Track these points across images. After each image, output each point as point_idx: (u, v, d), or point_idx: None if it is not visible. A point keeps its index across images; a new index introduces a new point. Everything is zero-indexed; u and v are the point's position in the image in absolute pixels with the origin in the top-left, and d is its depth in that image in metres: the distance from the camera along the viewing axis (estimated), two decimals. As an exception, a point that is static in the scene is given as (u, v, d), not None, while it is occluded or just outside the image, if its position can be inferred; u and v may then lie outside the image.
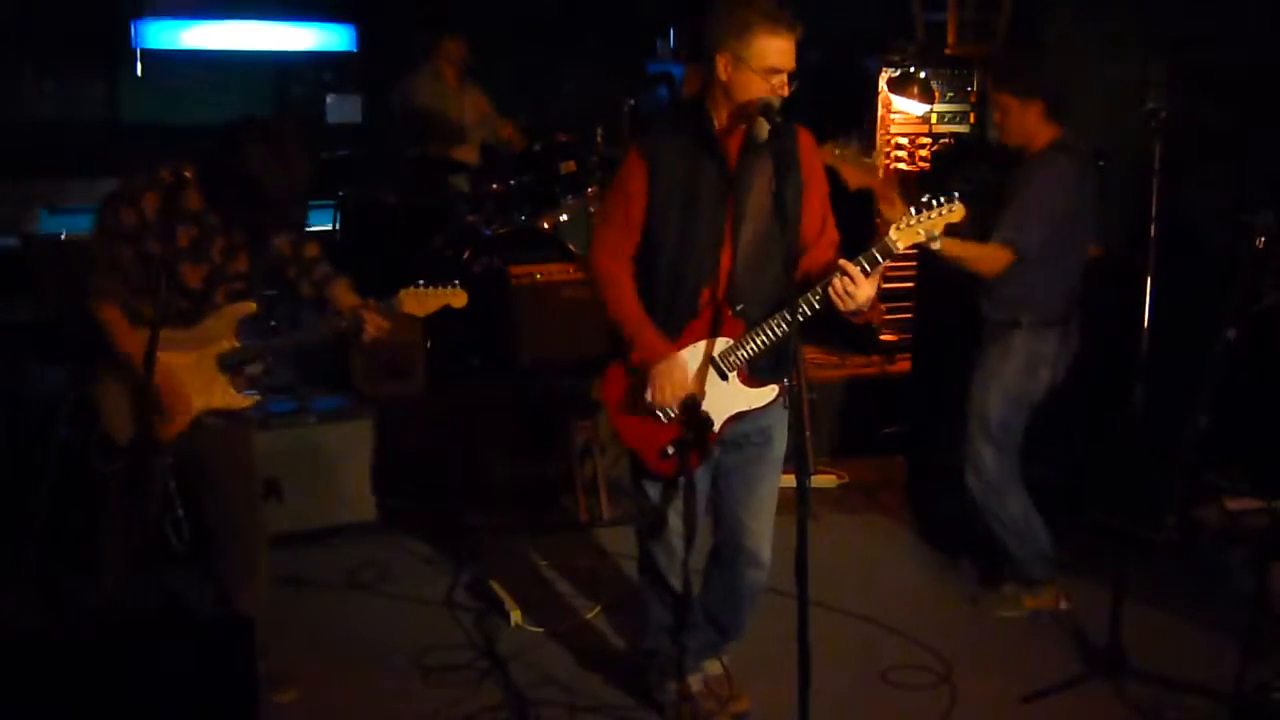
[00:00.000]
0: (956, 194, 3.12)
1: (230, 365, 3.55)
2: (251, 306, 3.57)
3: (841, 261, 3.11)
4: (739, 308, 3.26)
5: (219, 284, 3.50)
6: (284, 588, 4.43)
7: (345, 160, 8.13)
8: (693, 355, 3.29)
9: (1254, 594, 3.90)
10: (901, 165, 6.51)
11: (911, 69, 6.32)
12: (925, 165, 6.43)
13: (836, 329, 6.16)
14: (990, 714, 3.81)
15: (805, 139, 3.35)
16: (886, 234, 3.13)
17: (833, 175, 3.69)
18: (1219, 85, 5.39)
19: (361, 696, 3.83)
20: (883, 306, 6.37)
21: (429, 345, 5.61)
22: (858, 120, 6.46)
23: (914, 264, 5.89)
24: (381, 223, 6.90)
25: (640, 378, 3.29)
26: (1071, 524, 4.53)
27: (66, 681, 2.79)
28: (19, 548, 4.31)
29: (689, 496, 3.40)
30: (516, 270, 5.68)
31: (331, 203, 7.41)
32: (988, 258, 4.06)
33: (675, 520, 3.46)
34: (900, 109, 6.44)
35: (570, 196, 6.37)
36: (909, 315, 6.14)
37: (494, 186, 6.53)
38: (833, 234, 3.41)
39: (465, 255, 6.02)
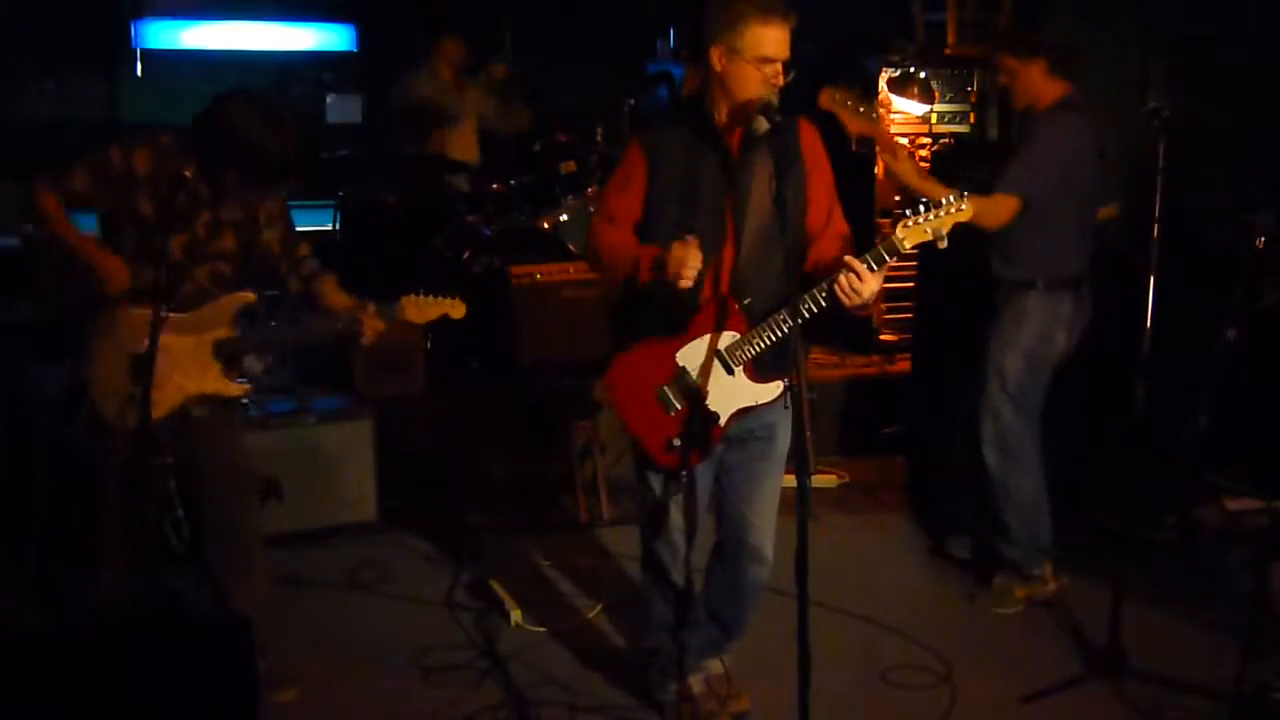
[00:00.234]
0: (966, 193, 3.12)
1: (226, 354, 3.55)
2: (251, 297, 3.57)
3: (847, 258, 3.11)
4: (745, 302, 3.26)
5: (201, 260, 3.49)
6: (284, 588, 4.44)
7: (345, 160, 8.13)
8: (698, 349, 3.29)
9: (1254, 594, 3.90)
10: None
11: (911, 69, 6.32)
12: (925, 165, 6.43)
13: (837, 329, 6.18)
14: (990, 714, 3.81)
15: (807, 130, 3.35)
16: (894, 232, 3.14)
17: (834, 137, 3.67)
18: (1219, 85, 5.40)
19: (361, 696, 3.83)
20: (883, 305, 6.37)
21: (429, 345, 5.61)
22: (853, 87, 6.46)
23: (914, 264, 5.89)
24: (381, 223, 6.91)
25: (658, 267, 3.17)
26: (1071, 524, 4.53)
27: (66, 681, 2.79)
28: (19, 547, 4.31)
29: (690, 491, 3.40)
30: (516, 270, 5.68)
31: (331, 203, 7.42)
32: (993, 209, 4.04)
33: (677, 514, 3.46)
34: (900, 109, 6.44)
35: (570, 196, 6.37)
36: (909, 315, 6.14)
37: (494, 186, 6.54)
38: (841, 225, 3.40)
39: (465, 255, 6.03)
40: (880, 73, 6.41)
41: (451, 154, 6.99)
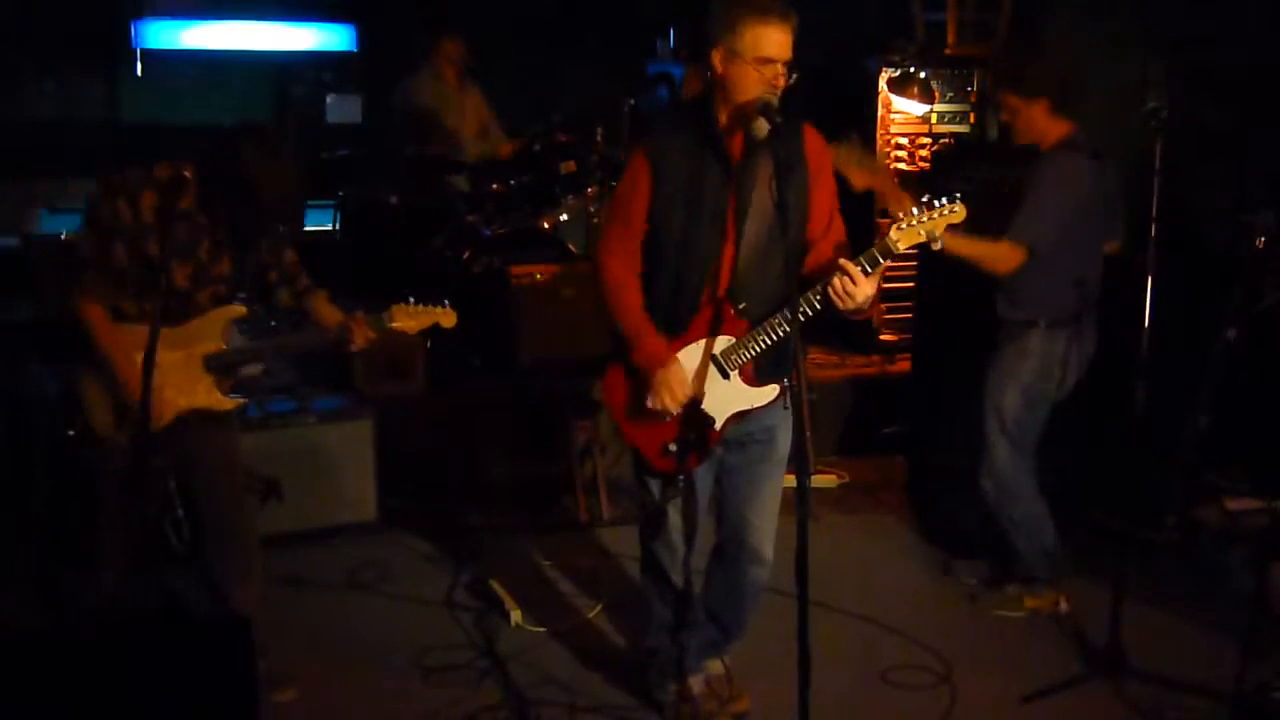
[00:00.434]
0: (958, 195, 3.12)
1: (217, 367, 3.55)
2: (241, 310, 3.58)
3: (841, 261, 3.11)
4: (741, 306, 3.26)
5: (204, 285, 3.50)
6: (284, 588, 4.44)
7: (345, 160, 8.13)
8: (694, 353, 3.30)
9: (1254, 594, 3.90)
10: (901, 165, 6.52)
11: (911, 69, 6.32)
12: (925, 165, 6.43)
13: (837, 329, 6.18)
14: (990, 714, 3.81)
15: (811, 135, 3.35)
16: (887, 234, 3.13)
17: (840, 179, 3.69)
18: (1219, 85, 5.40)
19: (361, 696, 3.83)
20: (882, 306, 6.38)
21: (429, 345, 5.61)
22: (858, 120, 6.46)
23: (914, 264, 5.89)
24: (381, 223, 6.91)
25: (642, 378, 3.29)
26: (1071, 524, 4.53)
27: (66, 681, 2.79)
28: (19, 548, 4.32)
29: (689, 494, 3.41)
30: (516, 270, 5.68)
31: (331, 203, 7.42)
32: (1001, 257, 4.07)
33: (676, 517, 3.47)
34: (900, 109, 6.44)
35: (570, 196, 6.37)
36: (909, 315, 6.14)
37: (494, 186, 6.54)
38: (841, 234, 3.40)
39: (465, 255, 6.03)
40: (880, 73, 6.41)
41: (451, 154, 6.98)
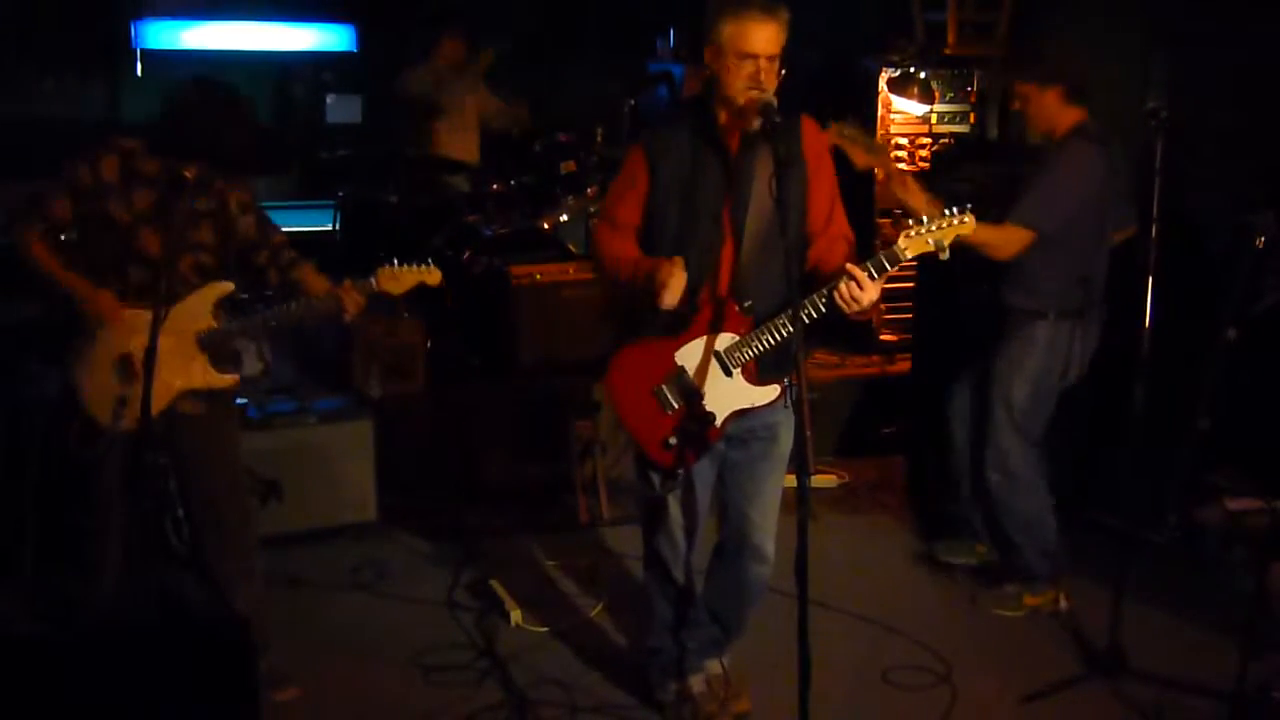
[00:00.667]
0: (969, 205, 3.13)
1: (210, 345, 3.56)
2: (229, 286, 3.58)
3: (848, 266, 3.11)
4: (746, 304, 3.26)
5: (181, 252, 3.49)
6: (284, 588, 4.44)
7: (345, 160, 8.13)
8: (695, 350, 3.30)
9: (1254, 594, 3.89)
10: (901, 165, 6.51)
11: (911, 69, 6.32)
12: (925, 165, 6.43)
13: (837, 329, 6.17)
14: (990, 714, 3.81)
15: (809, 127, 3.35)
16: (896, 241, 3.14)
17: (841, 157, 3.69)
18: (1219, 85, 5.39)
19: (361, 696, 3.83)
20: (882, 306, 6.37)
21: (429, 345, 5.61)
22: (857, 120, 6.46)
23: (914, 264, 5.88)
24: (381, 223, 6.91)
25: (653, 286, 3.20)
26: (1071, 524, 4.53)
27: (66, 681, 2.79)
28: (18, 547, 4.32)
29: (689, 489, 3.42)
30: (516, 270, 5.68)
31: (331, 203, 7.42)
32: (1005, 240, 4.06)
33: (676, 510, 3.47)
34: (900, 109, 6.44)
35: (570, 196, 6.37)
36: (909, 315, 6.14)
37: (494, 186, 6.54)
38: (844, 227, 3.40)
39: (465, 255, 6.03)
40: (880, 73, 6.41)
41: (451, 153, 6.99)
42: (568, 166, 6.51)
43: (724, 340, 3.28)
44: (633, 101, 6.96)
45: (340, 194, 7.35)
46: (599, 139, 6.58)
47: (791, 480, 3.16)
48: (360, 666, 3.98)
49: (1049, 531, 4.37)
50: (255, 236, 3.65)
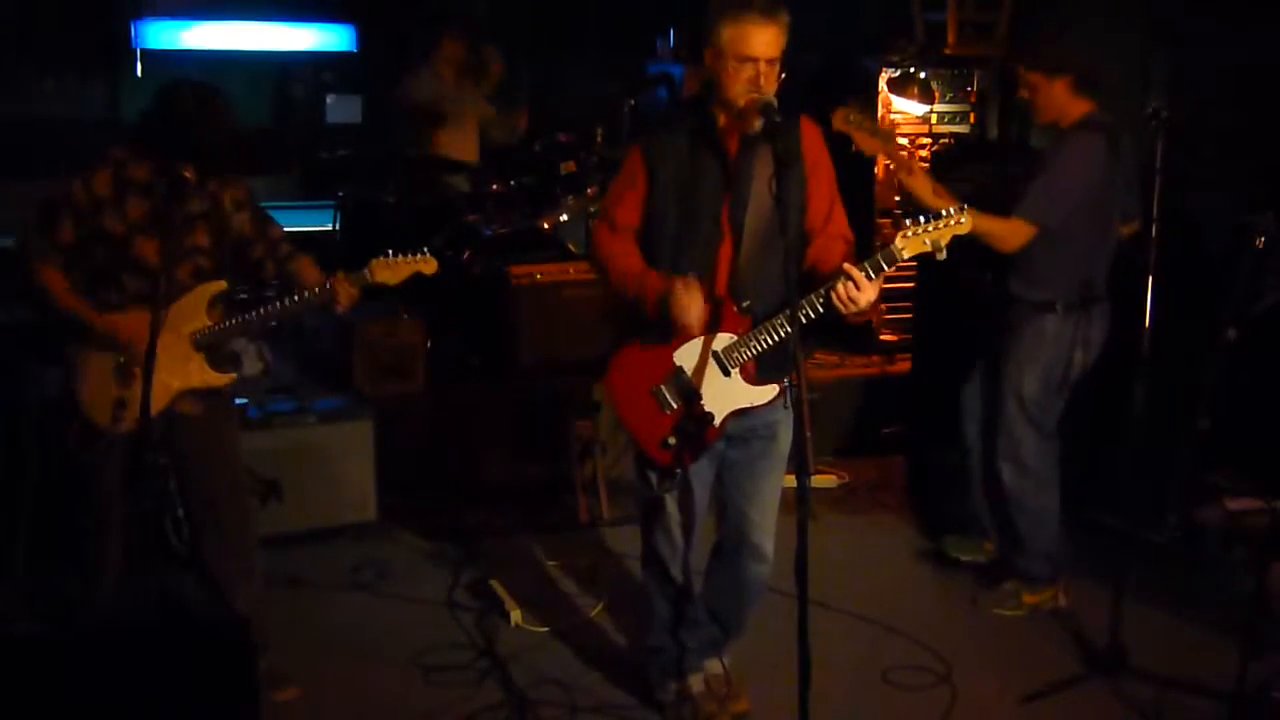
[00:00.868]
0: (966, 205, 3.12)
1: (206, 344, 3.56)
2: (223, 285, 3.57)
3: (846, 266, 3.11)
4: (745, 304, 3.26)
5: (179, 259, 3.50)
6: (284, 588, 4.44)
7: (345, 160, 8.13)
8: (694, 349, 3.30)
9: (1254, 594, 3.89)
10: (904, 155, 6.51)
11: (911, 69, 6.32)
12: (925, 165, 6.43)
13: (837, 329, 6.17)
14: (990, 714, 3.81)
15: (808, 126, 3.35)
16: (893, 241, 3.14)
17: (843, 154, 3.68)
18: (1219, 85, 5.39)
19: (361, 696, 3.83)
20: (882, 306, 6.37)
21: (429, 345, 5.61)
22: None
23: (914, 264, 5.88)
24: (381, 223, 6.90)
25: (665, 308, 3.21)
26: (1071, 524, 4.53)
27: (66, 681, 2.79)
28: (11, 547, 4.32)
29: (686, 488, 3.42)
30: (516, 270, 5.68)
31: (331, 203, 7.42)
32: (1010, 233, 4.05)
33: (674, 509, 3.47)
34: (900, 109, 6.44)
35: (570, 196, 6.37)
36: (909, 315, 6.14)
37: (494, 186, 6.54)
38: (843, 227, 3.40)
39: (465, 255, 6.03)
40: (880, 73, 6.41)
41: (451, 154, 6.99)
42: (568, 167, 6.51)
43: (722, 340, 3.28)
44: (632, 102, 6.96)
45: (340, 194, 7.35)
46: (599, 139, 6.58)
47: (791, 480, 3.16)
48: (360, 666, 3.98)
49: (1052, 529, 4.37)
50: (250, 233, 3.65)
